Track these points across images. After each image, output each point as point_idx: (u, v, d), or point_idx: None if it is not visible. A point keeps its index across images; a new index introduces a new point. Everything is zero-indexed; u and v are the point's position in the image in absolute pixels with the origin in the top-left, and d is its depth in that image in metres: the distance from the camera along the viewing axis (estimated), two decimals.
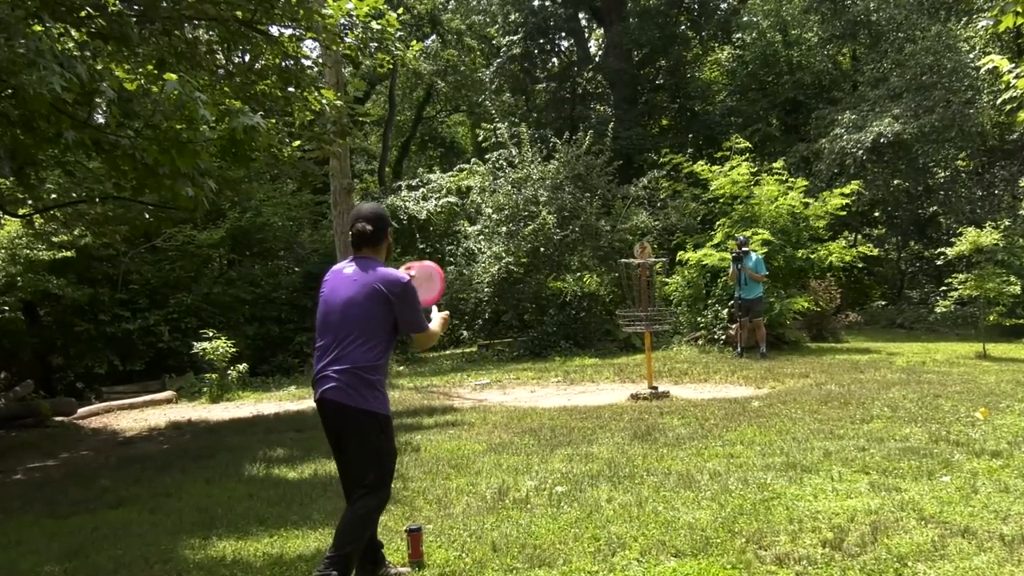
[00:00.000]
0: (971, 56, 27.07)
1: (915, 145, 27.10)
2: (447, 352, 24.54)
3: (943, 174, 29.91)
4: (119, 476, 9.73)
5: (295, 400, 16.20)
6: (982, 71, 24.74)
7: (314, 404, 5.39)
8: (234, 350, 18.03)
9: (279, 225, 24.41)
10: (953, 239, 18.72)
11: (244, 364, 18.77)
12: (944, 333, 24.39)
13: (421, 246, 29.75)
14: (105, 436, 13.83)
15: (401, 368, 20.08)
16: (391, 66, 13.12)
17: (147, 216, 15.86)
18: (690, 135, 35.56)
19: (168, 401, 17.79)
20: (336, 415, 5.25)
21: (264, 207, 24.00)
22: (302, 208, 26.31)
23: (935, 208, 30.73)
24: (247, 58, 11.92)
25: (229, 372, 18.09)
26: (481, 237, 25.03)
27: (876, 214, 32.47)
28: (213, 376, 17.89)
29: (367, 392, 5.19)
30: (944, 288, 19.88)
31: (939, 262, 21.28)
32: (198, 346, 17.98)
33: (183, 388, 19.02)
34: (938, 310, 20.96)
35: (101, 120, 9.00)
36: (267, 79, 11.46)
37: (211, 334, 18.21)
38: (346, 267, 5.44)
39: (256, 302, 22.69)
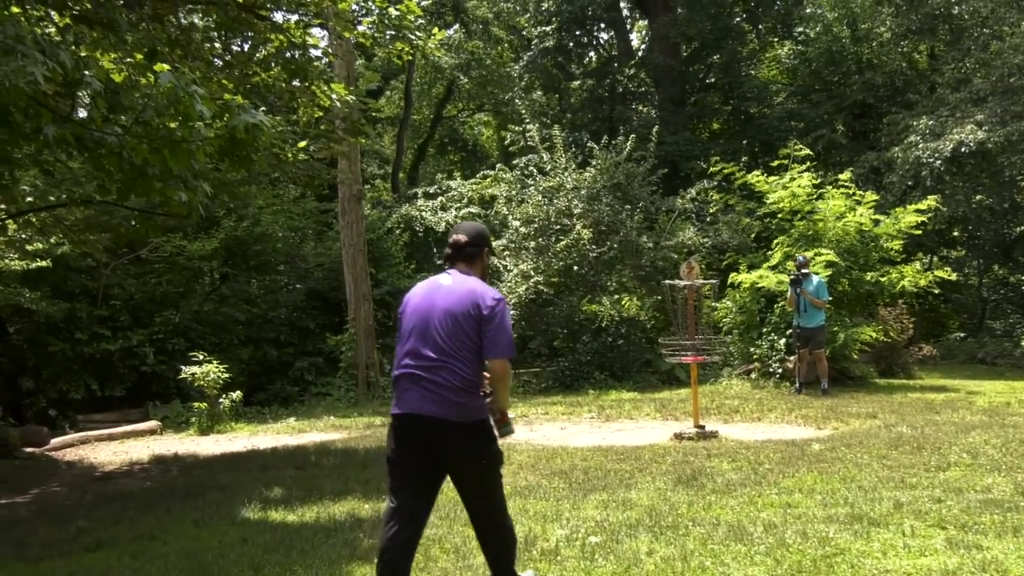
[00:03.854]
0: None
1: (1001, 156, 26.95)
2: None
3: None
4: (96, 515, 9.77)
5: (295, 433, 16.24)
6: None
7: (387, 422, 5.73)
8: (226, 376, 18.08)
9: (279, 236, 24.52)
10: None
11: (238, 392, 18.78)
12: None
13: (438, 261, 29.72)
14: (81, 470, 13.90)
15: None
16: (409, 57, 13.17)
17: (133, 223, 15.91)
18: (744, 141, 35.54)
19: (152, 432, 17.85)
20: (431, 431, 5.56)
21: (263, 215, 24.10)
22: (305, 217, 26.40)
23: (1022, 228, 30.57)
24: (247, 47, 12.02)
25: (221, 400, 18.14)
26: (507, 253, 25.03)
27: (955, 233, 32.35)
28: (202, 405, 17.93)
29: (467, 406, 5.56)
30: None
31: None
32: (186, 370, 18.02)
33: (168, 418, 19.09)
34: None
35: (84, 114, 9.06)
36: (270, 71, 11.53)
37: (201, 357, 18.24)
38: (442, 279, 5.84)
39: (252, 322, 22.78)
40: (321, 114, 12.55)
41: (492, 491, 5.83)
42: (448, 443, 5.57)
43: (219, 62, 11.55)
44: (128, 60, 9.27)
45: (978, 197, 29.26)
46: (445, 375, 5.53)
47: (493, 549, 5.91)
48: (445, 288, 5.74)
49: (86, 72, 7.80)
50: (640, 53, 40.92)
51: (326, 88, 11.92)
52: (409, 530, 5.65)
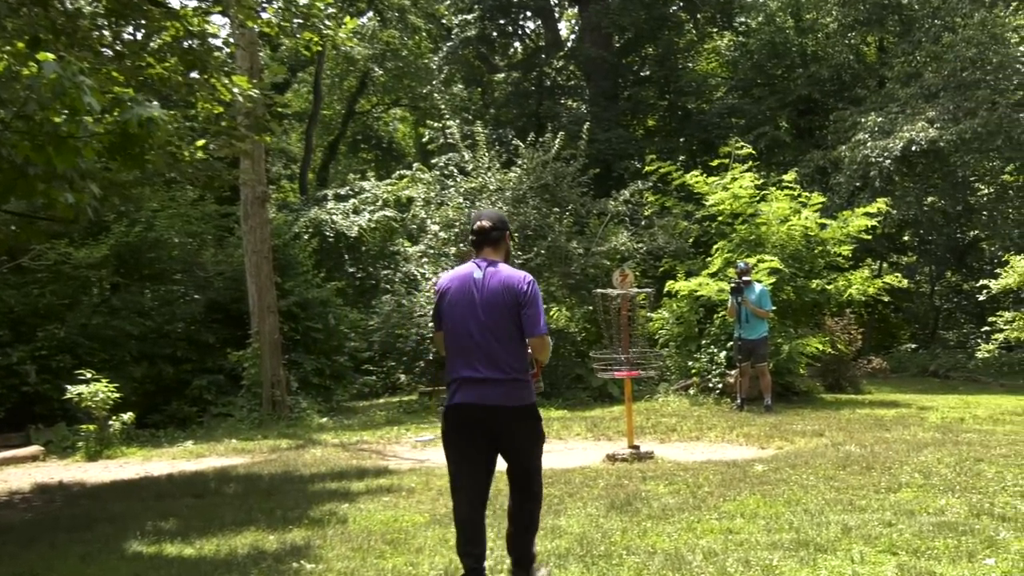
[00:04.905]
0: (1022, 49, 27.45)
1: (953, 155, 27.43)
2: (380, 401, 24.49)
3: (987, 190, 30.29)
4: None
5: (192, 458, 16.07)
6: None
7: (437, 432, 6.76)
8: (117, 396, 17.83)
9: (176, 242, 24.24)
10: (998, 270, 18.94)
11: (130, 413, 18.50)
12: (987, 384, 24.51)
13: (350, 269, 29.71)
14: None
15: (324, 420, 20.01)
16: (318, 48, 13.14)
17: (13, 228, 15.66)
18: (682, 139, 35.86)
19: (34, 458, 17.59)
20: (491, 417, 6.59)
21: (158, 219, 23.82)
22: (205, 221, 26.13)
23: (977, 232, 31.08)
24: (140, 35, 11.89)
25: (111, 423, 17.89)
26: (425, 260, 24.99)
27: (906, 238, 32.84)
28: (91, 428, 17.66)
29: (521, 390, 6.66)
30: (987, 329, 20.11)
31: (981, 297, 21.53)
32: (72, 390, 17.74)
33: (53, 442, 18.79)
34: (980, 355, 21.17)
35: None
36: (165, 62, 11.42)
37: (89, 376, 17.97)
38: (474, 272, 6.74)
39: (146, 337, 22.48)
40: (222, 109, 12.44)
41: (539, 460, 6.98)
42: (507, 424, 6.64)
43: (109, 52, 11.41)
44: (8, 48, 9.16)
45: (930, 199, 29.73)
46: (501, 371, 6.57)
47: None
48: (480, 283, 6.67)
49: None
50: (570, 44, 41.13)
51: (227, 81, 11.83)
52: (478, 503, 6.78)
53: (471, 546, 6.68)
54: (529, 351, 6.81)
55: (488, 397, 6.54)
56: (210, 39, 11.65)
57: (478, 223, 6.91)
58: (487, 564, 6.80)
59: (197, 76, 11.64)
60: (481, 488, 6.78)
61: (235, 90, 11.89)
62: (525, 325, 6.63)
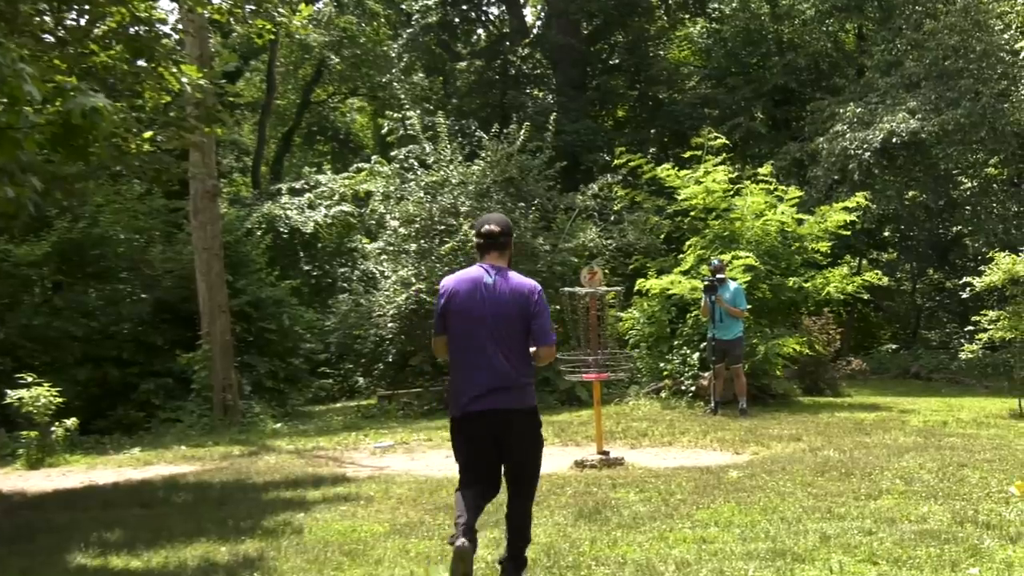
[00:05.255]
0: (1006, 37, 27.59)
1: (936, 147, 27.55)
2: (337, 405, 24.45)
3: (970, 184, 30.42)
4: None
5: (140, 466, 16.00)
6: (1021, 55, 25.27)
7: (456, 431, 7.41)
8: (60, 400, 17.73)
9: (122, 238, 24.12)
10: (982, 267, 18.99)
11: (73, 419, 18.41)
12: (970, 386, 24.72)
13: (306, 267, 29.64)
14: None
15: (278, 425, 19.97)
16: (272, 36, 13.11)
17: None
18: (653, 130, 35.96)
19: None
20: (501, 421, 7.05)
21: (103, 215, 23.70)
22: (152, 217, 26.01)
23: (960, 227, 31.23)
24: (84, 21, 11.84)
25: (53, 429, 17.80)
26: (384, 257, 24.97)
27: (886, 234, 32.96)
28: (32, 434, 17.58)
29: (527, 393, 7.24)
30: (971, 329, 20.11)
31: (964, 295, 21.55)
32: (12, 395, 17.64)
33: None
34: (963, 356, 21.14)
35: None
36: (111, 49, 11.37)
37: (30, 379, 17.88)
38: (484, 277, 7.09)
39: (90, 338, 22.37)
40: (170, 99, 12.41)
41: (540, 462, 7.49)
42: (514, 427, 7.12)
43: (51, 38, 11.36)
44: None
45: (911, 193, 29.87)
46: (511, 378, 7.04)
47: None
48: (490, 289, 7.04)
49: None
50: (535, 31, 41.13)
51: (176, 69, 11.78)
52: (481, 497, 7.25)
53: (467, 518, 7.03)
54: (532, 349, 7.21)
55: (497, 402, 6.97)
56: (158, 25, 11.60)
57: (486, 227, 7.25)
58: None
59: (144, 64, 11.59)
60: (486, 488, 7.28)
61: (184, 79, 11.84)
62: (536, 335, 7.10)
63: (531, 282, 7.23)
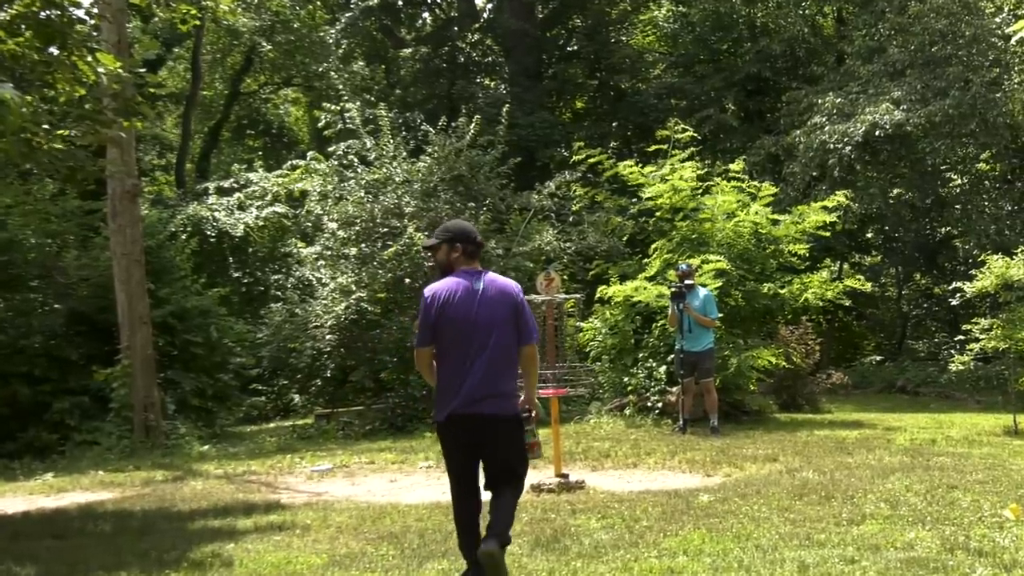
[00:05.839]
0: (997, 21, 27.77)
1: (922, 140, 27.68)
2: (271, 425, 24.37)
3: (960, 181, 30.64)
4: None
5: (53, 493, 15.89)
6: (1013, 40, 25.42)
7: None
8: None
9: (32, 243, 23.98)
10: (973, 271, 19.08)
11: None
12: (961, 400, 24.81)
13: (236, 274, 29.50)
14: None
15: (206, 448, 19.87)
16: (197, 20, 13.05)
17: None
18: (614, 123, 36.04)
19: None
20: (489, 426, 7.55)
21: (11, 217, 23.56)
22: (66, 219, 25.86)
23: (949, 228, 31.43)
24: None
25: None
26: (321, 263, 24.91)
27: (869, 235, 33.18)
28: None
29: (514, 400, 7.71)
30: (961, 338, 20.21)
31: (954, 302, 21.63)
32: None
33: None
34: (953, 368, 21.31)
35: None
36: (18, 36, 11.30)
37: None
38: (473, 282, 7.67)
39: None
40: (85, 91, 12.33)
41: (527, 461, 7.98)
42: (501, 433, 7.64)
43: None
44: None
45: (896, 191, 30.03)
46: (498, 385, 7.55)
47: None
48: (483, 294, 7.61)
49: None
50: (486, 15, 41.17)
51: (91, 58, 11.73)
52: (473, 500, 7.89)
53: (474, 547, 7.60)
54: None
55: (484, 408, 7.46)
56: (71, 9, 11.54)
57: (472, 233, 7.97)
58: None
59: (56, 53, 11.51)
60: (478, 493, 7.86)
61: (100, 68, 11.79)
62: (522, 333, 7.67)
63: (513, 282, 7.89)
